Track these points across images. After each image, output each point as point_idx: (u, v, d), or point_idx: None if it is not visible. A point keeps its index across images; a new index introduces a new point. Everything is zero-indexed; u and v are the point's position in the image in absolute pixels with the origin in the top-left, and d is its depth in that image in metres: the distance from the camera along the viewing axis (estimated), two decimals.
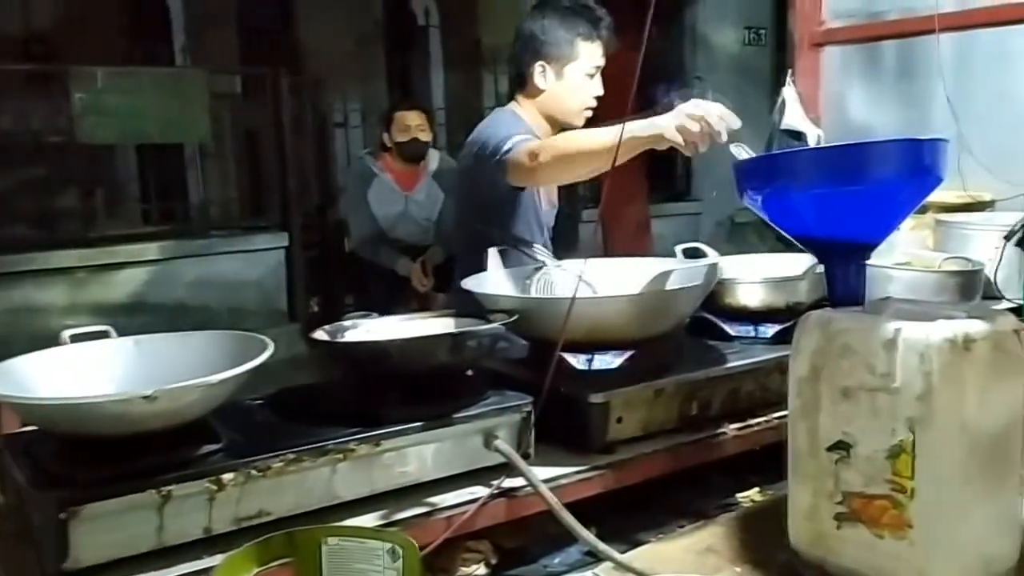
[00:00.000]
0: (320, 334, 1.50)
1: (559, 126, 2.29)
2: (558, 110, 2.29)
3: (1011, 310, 1.97)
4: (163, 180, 6.03)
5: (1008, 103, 2.84)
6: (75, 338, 1.40)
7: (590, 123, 2.29)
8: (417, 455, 1.35)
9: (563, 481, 1.45)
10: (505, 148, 2.05)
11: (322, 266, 5.90)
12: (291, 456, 1.23)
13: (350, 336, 1.53)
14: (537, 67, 2.26)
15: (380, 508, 1.31)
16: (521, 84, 2.33)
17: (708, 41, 7.33)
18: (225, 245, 5.45)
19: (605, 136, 1.80)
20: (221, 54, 6.39)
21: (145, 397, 1.12)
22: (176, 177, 6.18)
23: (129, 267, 5.07)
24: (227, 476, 1.19)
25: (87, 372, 1.36)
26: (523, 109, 2.34)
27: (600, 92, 2.27)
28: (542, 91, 2.29)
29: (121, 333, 1.45)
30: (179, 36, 6.55)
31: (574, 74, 2.24)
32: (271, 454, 1.22)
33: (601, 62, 2.24)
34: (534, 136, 2.14)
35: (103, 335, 1.43)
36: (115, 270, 5.03)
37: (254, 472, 1.21)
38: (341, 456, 1.27)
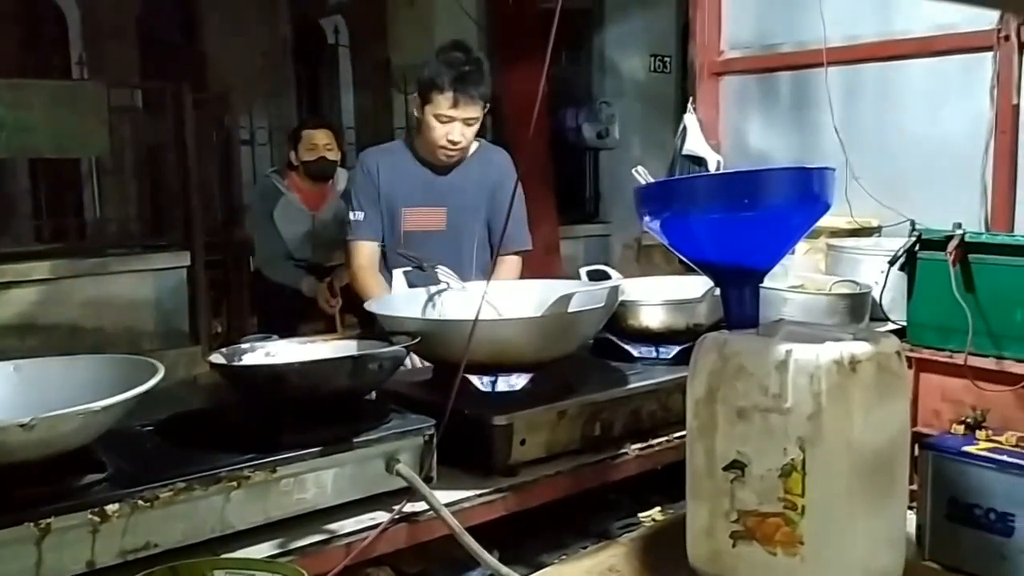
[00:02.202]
0: (217, 357, 1.46)
1: (428, 156, 2.57)
2: (422, 142, 2.56)
3: (895, 332, 2.06)
4: (57, 196, 5.77)
5: (891, 134, 2.99)
6: None
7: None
8: (315, 481, 1.31)
9: (466, 504, 1.44)
10: (349, 233, 2.59)
11: (226, 286, 5.74)
12: (181, 485, 1.19)
13: (248, 359, 1.49)
14: (413, 98, 2.55)
15: (276, 537, 1.28)
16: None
17: (615, 67, 7.47)
18: (122, 264, 5.24)
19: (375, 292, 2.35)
20: (121, 67, 6.19)
21: (22, 425, 1.06)
22: (71, 193, 5.93)
23: (19, 286, 4.82)
24: (111, 507, 1.14)
25: None
26: (416, 137, 2.61)
27: (455, 138, 2.47)
28: (418, 120, 2.54)
29: (10, 356, 1.38)
30: (76, 48, 6.32)
31: (428, 115, 2.47)
32: (159, 483, 1.18)
33: (450, 113, 2.44)
34: (372, 209, 2.56)
35: None
36: (3, 289, 4.78)
37: (141, 502, 1.16)
38: (235, 484, 1.23)
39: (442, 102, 2.42)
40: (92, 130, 5.22)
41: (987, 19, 2.67)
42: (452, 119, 2.44)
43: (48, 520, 1.09)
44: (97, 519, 1.13)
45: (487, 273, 2.38)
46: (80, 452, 1.19)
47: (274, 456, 1.27)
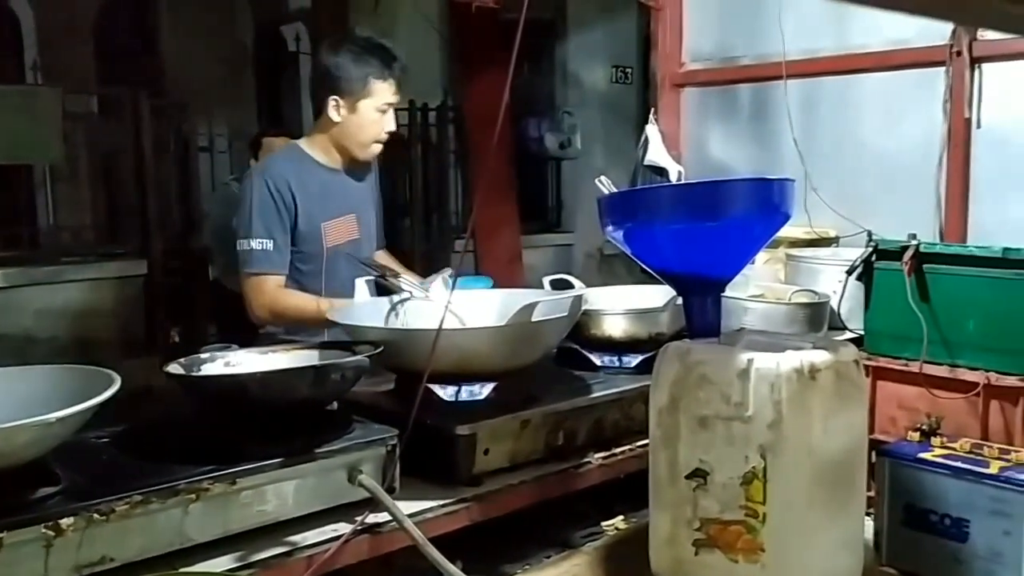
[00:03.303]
0: (175, 367, 1.43)
1: (350, 156, 2.39)
2: (350, 143, 2.37)
3: (852, 340, 2.09)
4: (9, 203, 5.66)
5: (848, 147, 3.04)
6: None
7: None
8: (276, 492, 1.30)
9: (429, 515, 1.43)
10: (250, 264, 2.27)
11: (184, 295, 5.65)
12: (138, 498, 1.16)
13: (207, 369, 1.47)
14: (331, 101, 2.32)
15: (236, 550, 1.26)
16: (317, 116, 2.41)
17: (577, 78, 7.53)
18: (77, 272, 5.15)
19: (312, 307, 2.19)
20: (77, 72, 6.08)
21: None
22: (24, 200, 5.81)
23: None
24: (66, 521, 1.11)
25: None
26: (312, 142, 2.41)
27: (392, 127, 2.38)
28: (336, 123, 2.34)
29: None
30: (31, 52, 6.19)
31: (366, 110, 2.32)
32: (116, 496, 1.15)
33: (394, 99, 2.35)
34: (275, 229, 2.27)
35: None
36: None
37: (96, 516, 1.13)
38: (194, 496, 1.21)
39: (385, 90, 2.31)
40: (46, 136, 5.13)
41: (940, 35, 2.73)
42: (390, 106, 2.34)
43: (0, 535, 1.06)
44: (51, 533, 1.10)
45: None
46: (34, 465, 1.16)
47: (234, 468, 1.25)
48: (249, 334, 3.62)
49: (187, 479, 1.21)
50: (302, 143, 2.43)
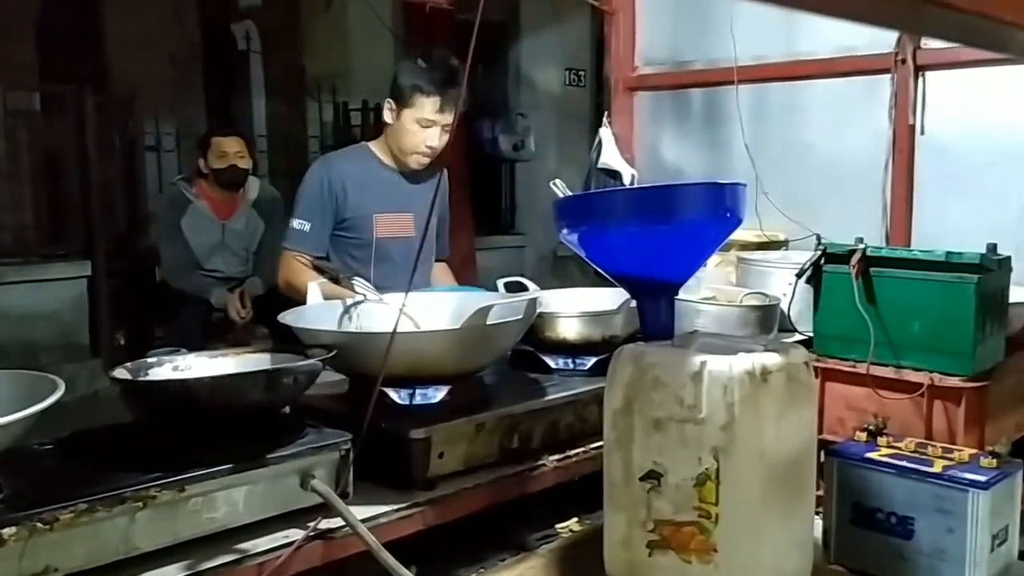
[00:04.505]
0: (121, 372, 1.40)
1: (399, 162, 2.55)
2: (396, 147, 2.52)
3: (802, 342, 2.13)
4: None
5: (798, 151, 3.09)
6: None
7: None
8: (226, 499, 1.27)
9: (383, 520, 1.42)
10: (288, 240, 2.51)
11: (130, 297, 5.53)
12: (82, 506, 1.13)
13: (154, 374, 1.44)
14: (386, 103, 2.50)
15: (185, 558, 1.23)
16: (380, 115, 2.56)
17: (531, 80, 7.55)
18: (18, 274, 5.00)
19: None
20: (18, 68, 5.91)
21: None
22: None
23: None
24: (7, 531, 1.08)
25: None
26: (378, 142, 2.59)
27: (434, 144, 2.47)
28: (388, 125, 2.52)
29: None
30: None
31: (407, 119, 2.45)
32: (59, 504, 1.12)
33: (434, 116, 2.43)
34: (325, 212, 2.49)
35: None
36: None
37: (39, 525, 1.10)
38: (140, 504, 1.18)
39: (428, 106, 2.41)
40: None
41: (886, 43, 2.79)
42: (434, 123, 2.43)
43: None
44: None
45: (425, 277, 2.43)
46: None
47: (182, 474, 1.23)
48: (198, 337, 3.54)
49: (134, 486, 1.18)
50: (372, 143, 2.62)
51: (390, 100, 2.48)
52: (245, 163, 4.28)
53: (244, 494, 1.29)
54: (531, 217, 7.39)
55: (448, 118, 2.43)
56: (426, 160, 2.50)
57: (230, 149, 4.22)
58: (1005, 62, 2.43)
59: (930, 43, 2.72)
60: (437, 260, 2.75)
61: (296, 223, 2.50)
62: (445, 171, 2.63)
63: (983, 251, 1.85)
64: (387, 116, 2.50)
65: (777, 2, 0.62)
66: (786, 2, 0.62)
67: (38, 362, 4.55)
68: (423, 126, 2.43)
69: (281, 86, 6.98)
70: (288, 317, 1.73)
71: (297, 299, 2.35)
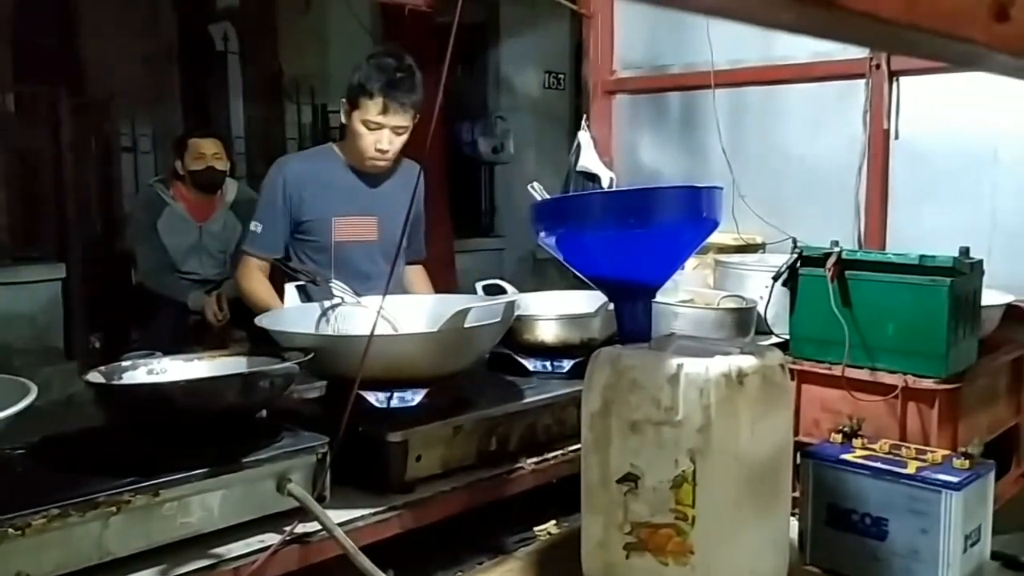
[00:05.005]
0: (95, 376, 1.39)
1: (358, 164, 2.48)
2: (351, 149, 2.47)
3: (779, 345, 2.14)
4: None
5: (774, 155, 3.12)
6: None
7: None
8: (201, 504, 1.26)
9: (360, 523, 1.42)
10: (246, 243, 2.50)
11: (105, 299, 5.47)
12: (55, 511, 1.12)
13: (129, 378, 1.43)
14: (342, 103, 2.44)
15: (159, 563, 1.22)
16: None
17: (510, 83, 7.55)
18: None
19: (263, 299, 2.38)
20: None
21: None
22: None
23: None
24: None
25: None
26: (340, 145, 2.55)
27: (384, 147, 2.39)
28: (345, 126, 2.47)
29: None
30: None
31: (355, 121, 2.40)
32: (31, 510, 1.11)
33: (378, 119, 2.36)
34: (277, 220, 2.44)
35: None
36: None
37: (11, 530, 1.09)
38: (114, 509, 1.17)
39: (371, 108, 2.35)
40: None
41: (860, 48, 2.82)
42: (381, 126, 2.36)
43: None
44: None
45: (393, 279, 2.36)
46: None
47: (157, 479, 1.22)
48: (174, 341, 3.51)
49: (107, 491, 1.17)
50: (337, 144, 2.58)
51: (344, 100, 2.43)
52: (222, 165, 4.25)
53: (219, 498, 1.28)
54: (510, 220, 7.39)
55: (395, 121, 2.36)
56: (381, 163, 2.43)
57: (207, 151, 4.18)
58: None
59: None
60: (412, 263, 2.70)
61: (252, 224, 2.49)
62: (420, 170, 2.60)
63: (956, 254, 1.87)
64: (343, 117, 2.45)
65: (702, 11, 0.62)
66: (711, 11, 0.63)
67: (12, 366, 4.48)
68: (370, 129, 2.37)
69: (259, 88, 6.93)
70: (264, 320, 1.72)
71: (248, 304, 2.42)
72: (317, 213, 2.45)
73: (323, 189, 2.46)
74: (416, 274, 2.72)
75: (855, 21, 0.57)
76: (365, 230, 2.49)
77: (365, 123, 2.36)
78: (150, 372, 1.47)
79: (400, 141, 2.41)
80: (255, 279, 2.45)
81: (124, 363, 1.46)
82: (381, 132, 2.37)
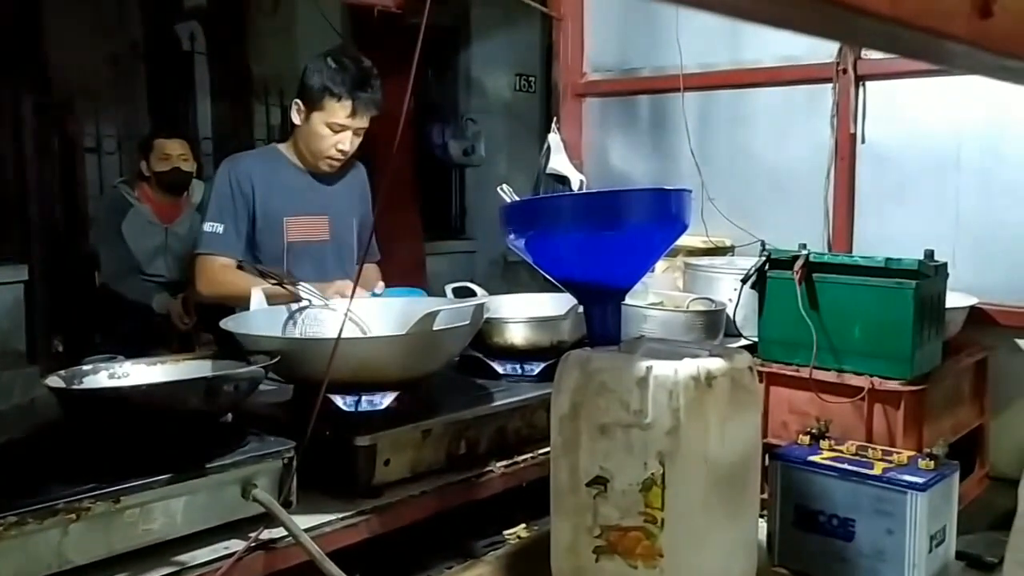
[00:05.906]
0: (54, 380, 1.36)
1: (310, 164, 2.46)
2: (305, 150, 2.44)
3: (747, 347, 2.16)
4: None
5: (742, 158, 3.14)
6: None
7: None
8: (164, 510, 1.24)
9: (327, 529, 1.40)
10: (200, 245, 2.40)
11: (68, 302, 5.38)
12: (12, 518, 1.09)
13: (89, 382, 1.40)
14: (294, 103, 2.41)
15: (120, 571, 1.20)
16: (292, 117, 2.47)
17: (481, 85, 7.54)
18: None
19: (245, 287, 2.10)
20: None
21: None
22: None
23: None
24: None
25: None
26: (286, 146, 2.51)
27: (346, 147, 2.39)
28: (296, 127, 2.43)
29: None
30: None
31: (316, 122, 2.36)
32: None
33: (346, 122, 2.35)
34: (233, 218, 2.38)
35: None
36: None
37: None
38: (73, 516, 1.14)
39: (338, 110, 2.32)
40: None
41: (827, 53, 2.84)
42: (345, 128, 2.35)
43: None
44: None
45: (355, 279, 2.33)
46: None
47: (117, 485, 1.19)
48: (138, 344, 3.45)
49: (66, 498, 1.14)
50: (281, 144, 2.54)
51: (298, 101, 2.38)
52: (189, 166, 4.20)
53: (183, 505, 1.26)
54: (481, 222, 7.37)
55: (361, 122, 2.35)
56: (337, 164, 2.42)
57: (173, 151, 4.13)
58: (943, 72, 2.50)
59: (870, 54, 2.78)
60: (371, 263, 2.66)
61: (208, 226, 2.39)
62: (364, 169, 2.59)
63: (921, 257, 1.90)
64: (295, 118, 2.40)
65: (706, 8, 0.62)
66: (713, 7, 0.63)
67: None
68: (334, 131, 2.35)
69: (227, 88, 6.86)
70: (230, 323, 1.69)
71: (231, 304, 2.29)
72: (268, 213, 2.41)
73: (273, 188, 2.42)
74: (370, 272, 2.65)
75: (839, 15, 0.57)
76: (317, 230, 2.47)
77: (330, 125, 2.34)
78: (112, 376, 1.44)
79: (358, 141, 2.41)
80: (228, 273, 2.36)
81: (85, 367, 1.43)
82: (345, 134, 2.36)
